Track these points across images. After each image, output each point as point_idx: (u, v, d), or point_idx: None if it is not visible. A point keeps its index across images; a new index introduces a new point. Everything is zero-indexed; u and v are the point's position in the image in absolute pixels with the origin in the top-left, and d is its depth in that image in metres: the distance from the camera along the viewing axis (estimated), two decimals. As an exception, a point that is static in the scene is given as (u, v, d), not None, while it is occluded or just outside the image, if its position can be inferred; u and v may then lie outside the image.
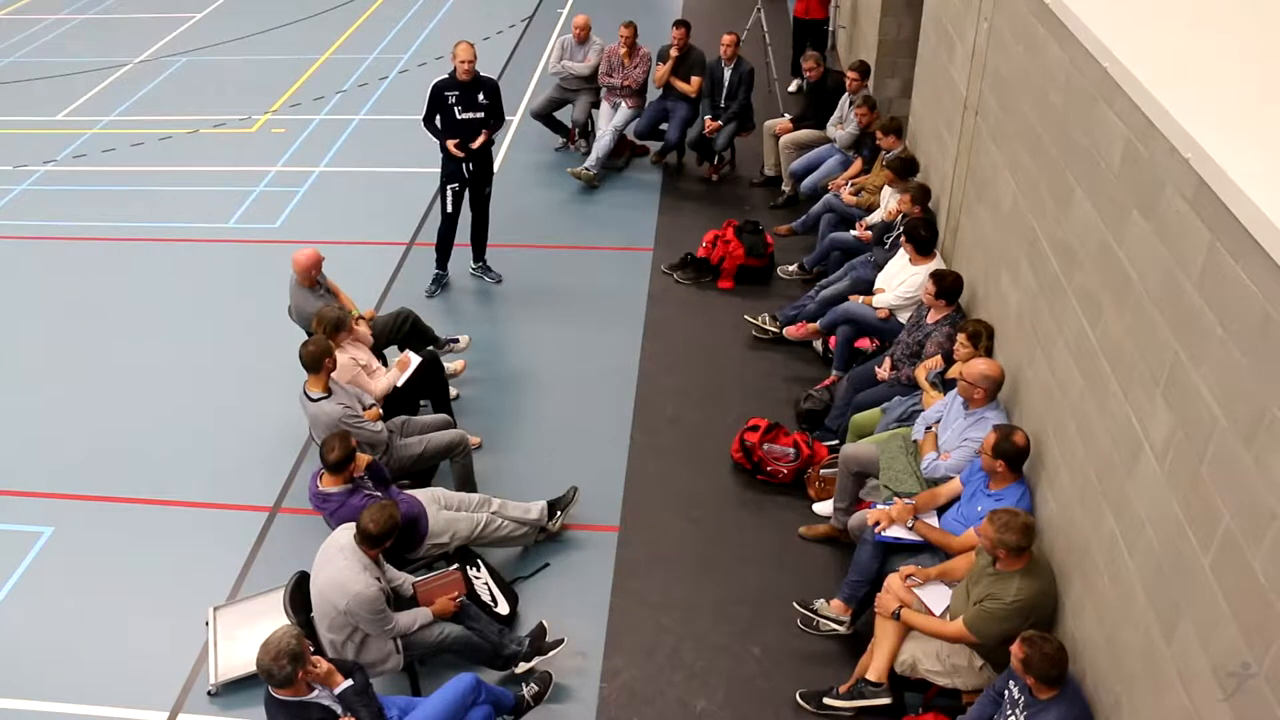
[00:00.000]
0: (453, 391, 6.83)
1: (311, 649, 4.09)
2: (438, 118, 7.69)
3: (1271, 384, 2.84)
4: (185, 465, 6.50)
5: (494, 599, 5.28)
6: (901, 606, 4.56)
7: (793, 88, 11.63)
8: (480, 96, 7.65)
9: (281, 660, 3.89)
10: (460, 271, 8.36)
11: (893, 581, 4.73)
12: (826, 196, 8.43)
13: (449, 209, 7.95)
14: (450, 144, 7.62)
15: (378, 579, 4.58)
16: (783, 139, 9.44)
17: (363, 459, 5.21)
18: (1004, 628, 4.18)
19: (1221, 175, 3.07)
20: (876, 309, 6.71)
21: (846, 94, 8.94)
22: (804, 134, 9.33)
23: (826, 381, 6.89)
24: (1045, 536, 4.61)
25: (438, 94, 7.61)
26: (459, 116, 7.62)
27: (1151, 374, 3.60)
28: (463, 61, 7.50)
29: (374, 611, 4.51)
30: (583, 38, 9.88)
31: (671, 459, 6.47)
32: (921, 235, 6.50)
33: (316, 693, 4.07)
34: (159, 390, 7.21)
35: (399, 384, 6.10)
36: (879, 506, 5.14)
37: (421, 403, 6.44)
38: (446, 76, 7.63)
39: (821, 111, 9.25)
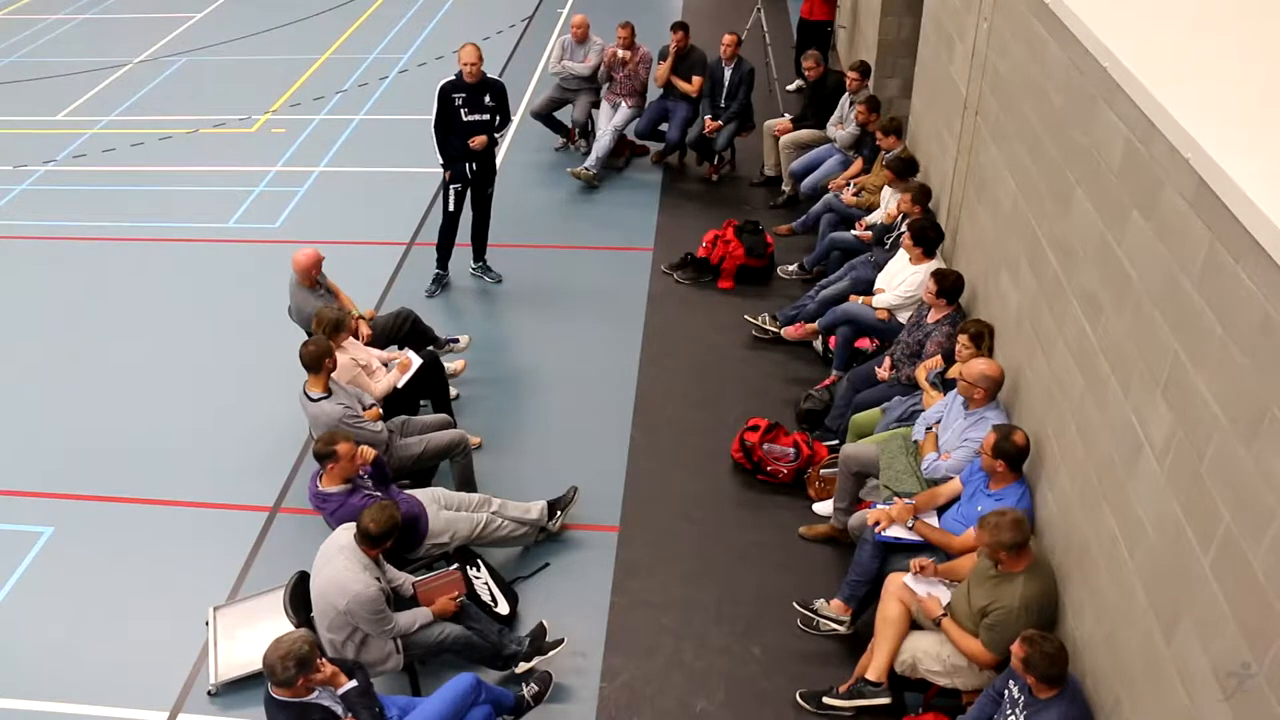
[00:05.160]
0: (453, 391, 6.84)
1: (321, 658, 4.07)
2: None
3: (1271, 384, 2.84)
4: (185, 465, 6.50)
5: (494, 599, 5.28)
6: (944, 614, 4.51)
7: (792, 87, 11.63)
8: (486, 98, 7.66)
9: (288, 661, 3.90)
10: (460, 271, 8.36)
11: (893, 581, 4.73)
12: (826, 196, 8.43)
13: (450, 208, 7.95)
14: (474, 141, 7.61)
15: (378, 579, 4.59)
16: (783, 139, 9.44)
17: (369, 452, 5.22)
18: (1017, 632, 4.13)
19: (1221, 175, 3.07)
20: (876, 310, 6.71)
21: (846, 94, 8.94)
22: (804, 134, 9.33)
23: (826, 381, 6.89)
24: (1045, 536, 4.61)
25: (444, 97, 7.61)
26: (466, 119, 7.62)
27: (1151, 374, 3.61)
28: (468, 64, 7.49)
29: (374, 612, 4.51)
30: (581, 36, 9.87)
31: (671, 459, 6.47)
32: (930, 236, 6.50)
33: (317, 694, 4.07)
34: (159, 390, 7.21)
35: (399, 385, 6.11)
36: (879, 506, 5.14)
37: (421, 403, 6.45)
38: (453, 79, 7.63)
39: (821, 111, 9.25)
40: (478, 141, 7.65)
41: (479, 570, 5.37)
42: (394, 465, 5.66)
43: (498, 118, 7.75)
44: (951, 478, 5.12)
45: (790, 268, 8.30)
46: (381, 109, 11.71)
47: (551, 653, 5.04)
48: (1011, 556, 4.22)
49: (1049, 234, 4.85)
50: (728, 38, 9.44)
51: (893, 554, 5.03)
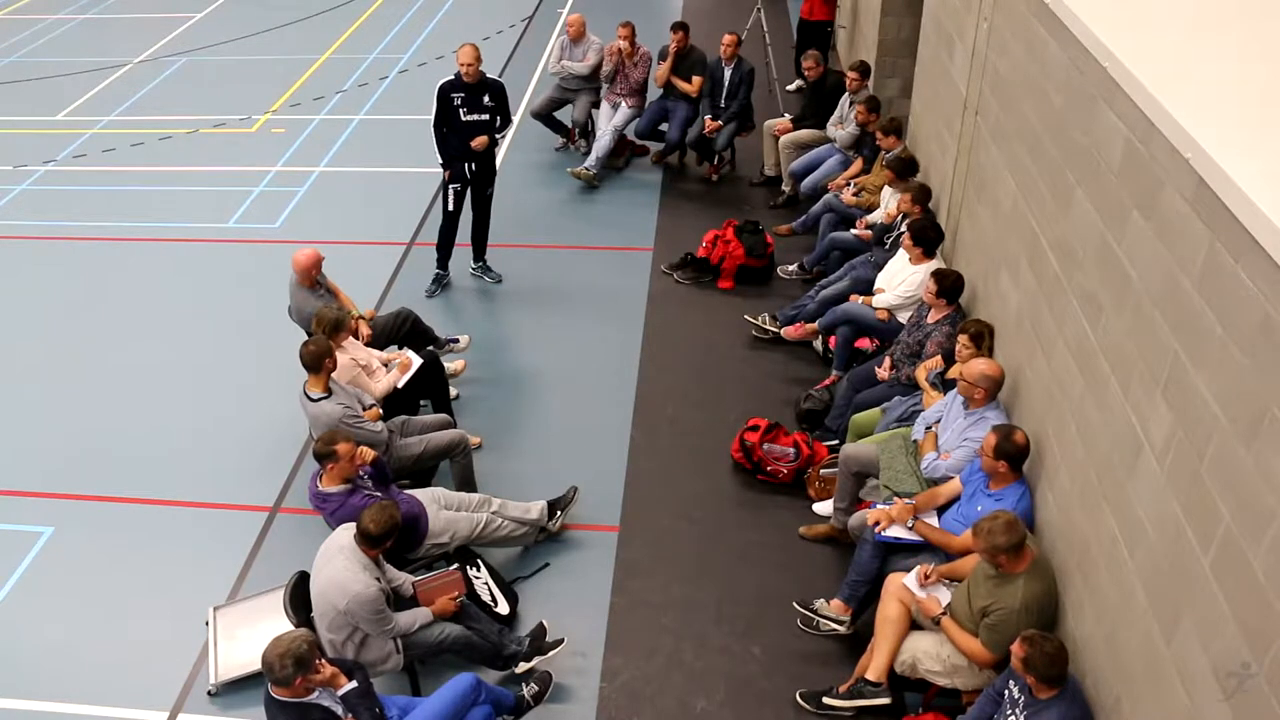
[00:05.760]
0: (453, 391, 6.84)
1: (320, 658, 4.07)
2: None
3: (1271, 384, 2.84)
4: (185, 465, 6.50)
5: (494, 599, 5.28)
6: (943, 614, 4.53)
7: (792, 87, 11.64)
8: (486, 98, 7.66)
9: (285, 660, 3.90)
10: (460, 271, 8.36)
11: (893, 581, 4.73)
12: (826, 196, 8.43)
13: (450, 207, 7.96)
14: (475, 142, 7.62)
15: (378, 579, 4.59)
16: (783, 139, 9.44)
17: (369, 452, 5.22)
18: (1018, 633, 4.14)
19: (1221, 175, 3.07)
20: (876, 310, 6.71)
21: (846, 94, 8.95)
22: (804, 134, 9.33)
23: (826, 381, 6.89)
24: (1045, 536, 4.61)
25: (443, 96, 7.62)
26: (465, 118, 7.63)
27: (1151, 374, 3.60)
28: (466, 65, 7.50)
29: (374, 612, 4.51)
30: (577, 35, 9.87)
31: (671, 459, 6.47)
32: (930, 236, 6.50)
33: (317, 694, 4.07)
34: (159, 390, 7.21)
35: (399, 385, 6.11)
36: (879, 506, 5.14)
37: (421, 403, 6.45)
38: (452, 79, 7.64)
39: (821, 111, 9.25)
40: (479, 142, 7.66)
41: (479, 570, 5.37)
42: (394, 465, 5.66)
43: (498, 118, 7.75)
44: (951, 477, 5.12)
45: (790, 268, 8.30)
46: (381, 109, 11.71)
47: (551, 653, 5.04)
48: (1011, 558, 4.21)
49: (1049, 234, 4.85)
50: (728, 38, 9.44)
51: (893, 554, 5.03)
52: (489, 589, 5.31)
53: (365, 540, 4.58)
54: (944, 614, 4.50)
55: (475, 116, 7.65)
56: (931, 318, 6.06)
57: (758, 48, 11.54)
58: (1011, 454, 4.67)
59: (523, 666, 4.97)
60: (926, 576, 4.69)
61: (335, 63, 13.16)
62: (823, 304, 7.25)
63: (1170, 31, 4.28)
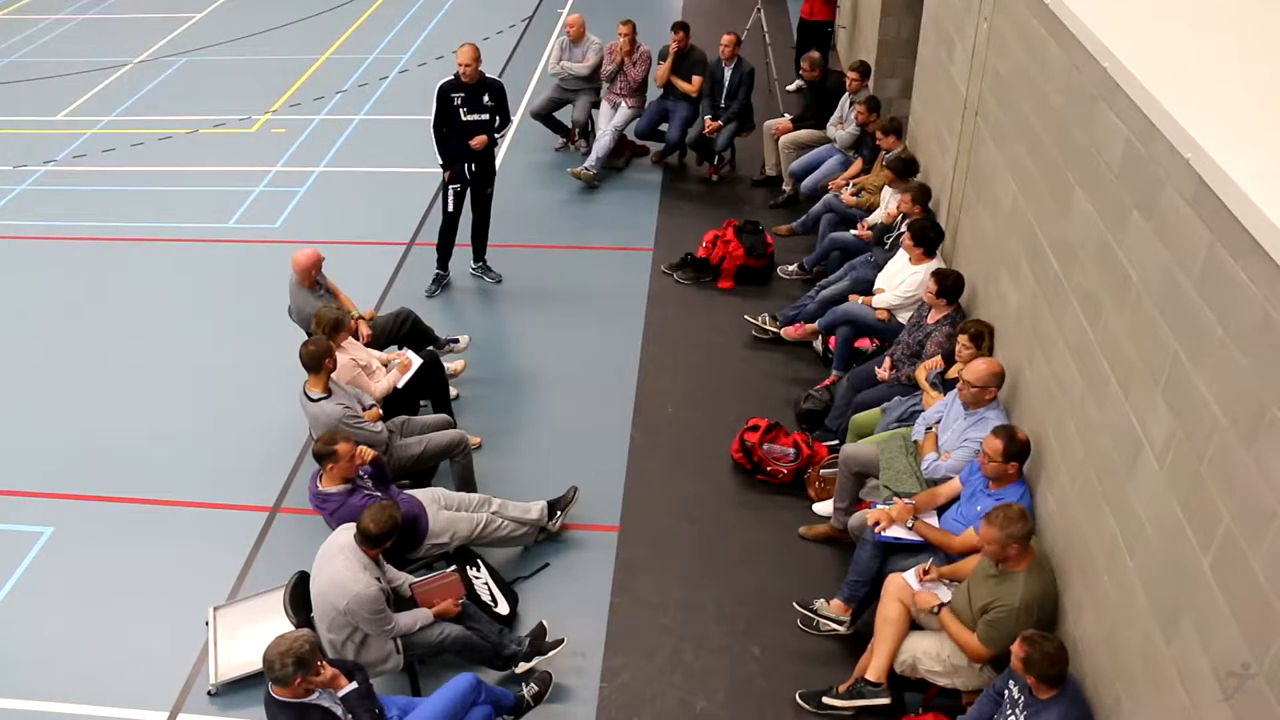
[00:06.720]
0: (453, 391, 6.84)
1: (321, 660, 4.07)
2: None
3: (1271, 384, 2.84)
4: (185, 465, 6.50)
5: (494, 599, 5.28)
6: (942, 606, 4.53)
7: (792, 87, 11.64)
8: (485, 98, 7.67)
9: (286, 659, 3.90)
10: (460, 271, 8.36)
11: (893, 581, 4.73)
12: (826, 196, 8.43)
13: (450, 208, 7.96)
14: (474, 141, 7.63)
15: (378, 579, 4.59)
16: (783, 139, 9.44)
17: (368, 452, 5.23)
18: (1016, 631, 4.15)
19: (1221, 175, 3.07)
20: (876, 310, 6.71)
21: (846, 94, 8.95)
22: (804, 134, 9.33)
23: (826, 381, 6.89)
24: (1045, 536, 4.61)
25: (443, 96, 7.62)
26: (464, 118, 7.64)
27: (1151, 374, 3.61)
28: (464, 65, 7.51)
29: (374, 612, 4.51)
30: (576, 35, 9.87)
31: (671, 459, 6.47)
32: (930, 236, 6.50)
33: (317, 695, 4.07)
34: (159, 390, 7.21)
35: (399, 385, 6.11)
36: (879, 506, 5.14)
37: (421, 403, 6.45)
38: (451, 79, 7.64)
39: (821, 111, 9.25)
40: (478, 141, 7.66)
41: (479, 570, 5.37)
42: (394, 465, 5.66)
43: (497, 118, 7.75)
44: (951, 478, 5.12)
45: (790, 268, 8.29)
46: (381, 109, 11.71)
47: (551, 653, 5.04)
48: (1018, 552, 4.21)
49: (1049, 234, 4.85)
50: (727, 38, 9.44)
51: (893, 554, 5.03)
52: (489, 589, 5.31)
53: (365, 540, 4.58)
54: (943, 606, 4.50)
55: (475, 116, 7.65)
56: (931, 318, 6.06)
57: (758, 48, 11.54)
58: (1020, 453, 4.67)
59: (523, 666, 4.97)
60: (925, 573, 4.69)
61: (335, 63, 13.16)
62: (823, 304, 7.25)
63: (1170, 31, 4.28)
